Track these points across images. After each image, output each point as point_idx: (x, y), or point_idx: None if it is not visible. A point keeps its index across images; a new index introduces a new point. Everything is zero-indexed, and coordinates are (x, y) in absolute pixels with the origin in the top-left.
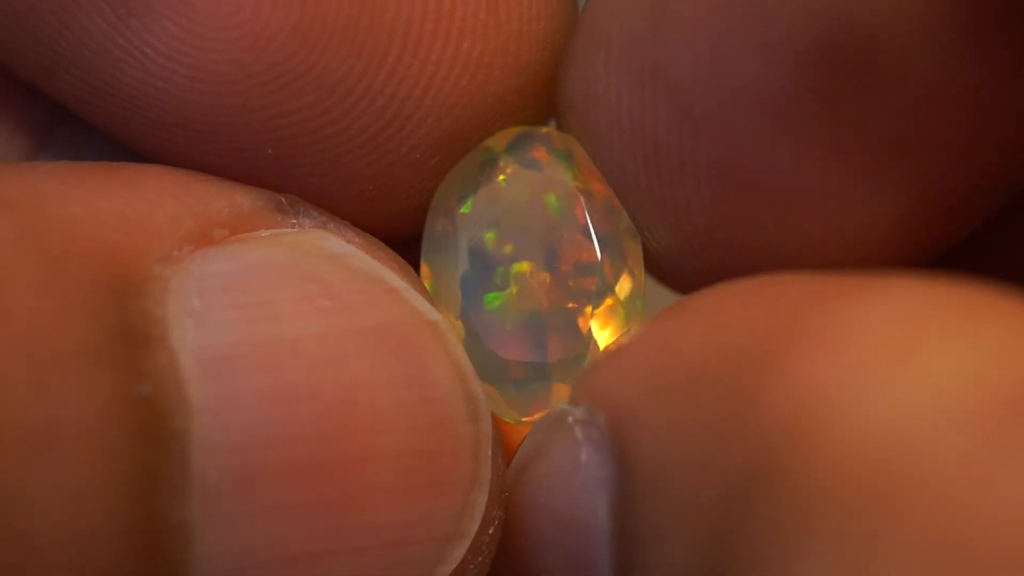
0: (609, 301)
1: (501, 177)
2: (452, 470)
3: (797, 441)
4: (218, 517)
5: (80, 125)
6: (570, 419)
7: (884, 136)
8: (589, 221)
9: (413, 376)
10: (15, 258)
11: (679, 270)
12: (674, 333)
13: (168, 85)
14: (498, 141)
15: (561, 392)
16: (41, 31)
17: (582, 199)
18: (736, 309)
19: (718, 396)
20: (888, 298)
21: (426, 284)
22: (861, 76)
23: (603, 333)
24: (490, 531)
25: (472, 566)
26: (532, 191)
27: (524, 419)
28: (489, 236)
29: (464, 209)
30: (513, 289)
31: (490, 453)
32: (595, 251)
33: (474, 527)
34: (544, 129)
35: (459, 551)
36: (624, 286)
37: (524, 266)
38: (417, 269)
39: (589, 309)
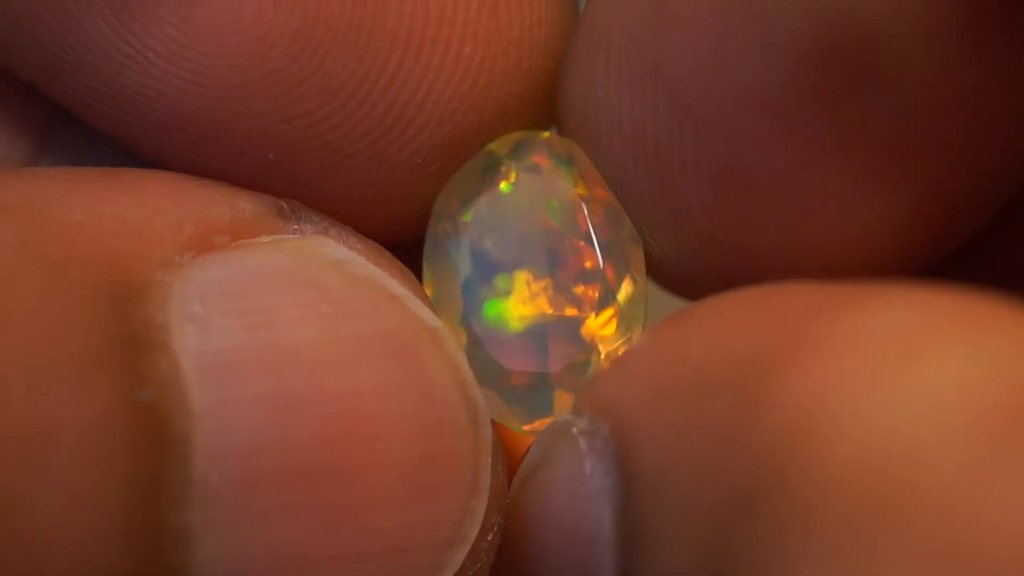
0: (611, 308)
1: (503, 184)
2: (452, 476)
3: (798, 450)
4: (219, 522)
5: (81, 127)
6: (574, 430)
7: (884, 136)
8: (591, 227)
9: (413, 382)
10: (17, 264)
11: (681, 274)
12: (676, 341)
13: (170, 89)
14: (500, 146)
15: (563, 399)
16: (43, 34)
17: (584, 205)
18: (738, 318)
19: (720, 404)
20: (890, 307)
21: (428, 289)
22: (861, 76)
23: (605, 340)
24: (489, 537)
25: (471, 572)
26: (534, 197)
27: (526, 427)
28: (491, 242)
29: (466, 215)
30: (515, 296)
31: (490, 460)
32: (597, 258)
33: (474, 533)
34: (545, 134)
35: (459, 557)
36: (626, 292)
37: (526, 273)
38: (419, 274)
39: (591, 316)
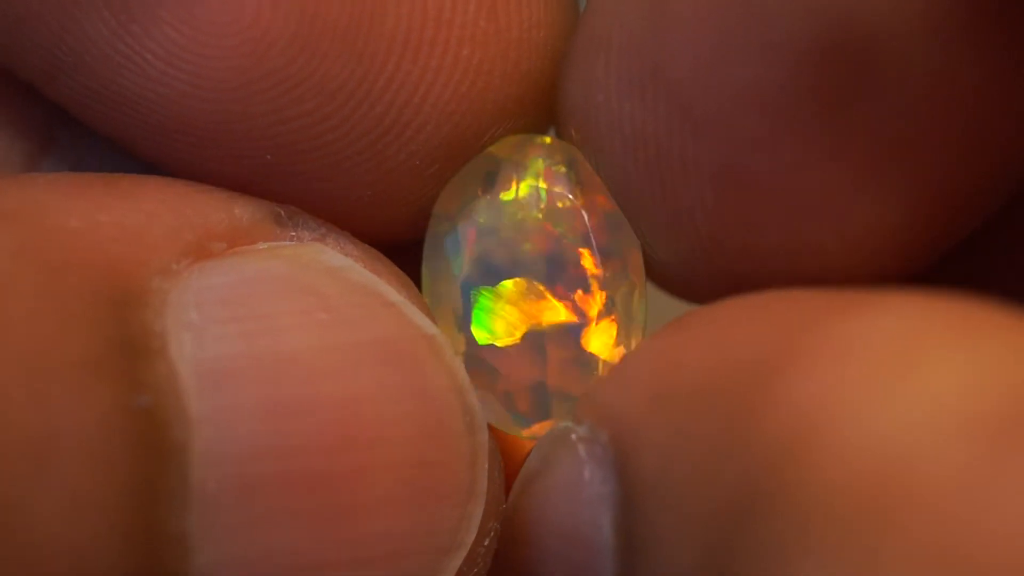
0: (611, 315)
1: (503, 188)
2: (449, 482)
3: (797, 456)
4: (217, 528)
5: (82, 128)
6: (573, 436)
7: (885, 136)
8: (591, 233)
9: (410, 389)
10: (15, 270)
11: (681, 276)
12: (675, 348)
13: (168, 91)
14: (500, 149)
15: (562, 406)
16: (42, 35)
17: (583, 210)
18: (736, 325)
19: (719, 411)
20: (887, 313)
21: (427, 291)
22: (861, 76)
23: (605, 347)
24: (486, 543)
25: None
26: (533, 202)
27: (525, 432)
28: (490, 246)
29: (465, 218)
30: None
31: (487, 466)
32: (597, 264)
33: (471, 538)
34: (546, 139)
35: (455, 562)
36: (626, 298)
37: (525, 279)
38: (417, 275)
39: (591, 322)
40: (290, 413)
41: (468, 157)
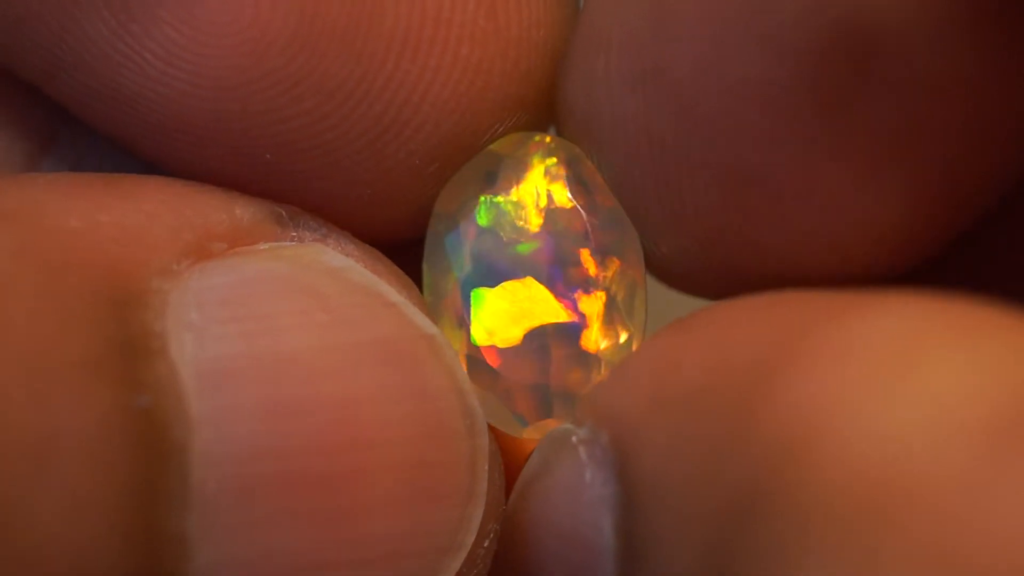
0: (612, 315)
1: (504, 187)
2: (449, 483)
3: (797, 456)
4: (217, 528)
5: (82, 128)
6: (574, 438)
7: (886, 133)
8: (592, 233)
9: (410, 389)
10: (15, 270)
11: (682, 270)
12: (675, 349)
13: (168, 90)
14: (500, 148)
15: (563, 406)
16: (42, 35)
17: (584, 209)
18: (737, 326)
19: (719, 412)
20: (887, 314)
21: (427, 290)
22: (862, 74)
23: (605, 347)
24: (485, 544)
25: None
26: (534, 200)
27: (524, 432)
28: (490, 245)
29: (466, 217)
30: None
31: (486, 467)
32: (597, 264)
33: (470, 539)
34: (547, 137)
35: (455, 563)
36: (626, 298)
37: (526, 279)
38: (417, 274)
39: (591, 323)
40: (290, 413)
41: (468, 156)
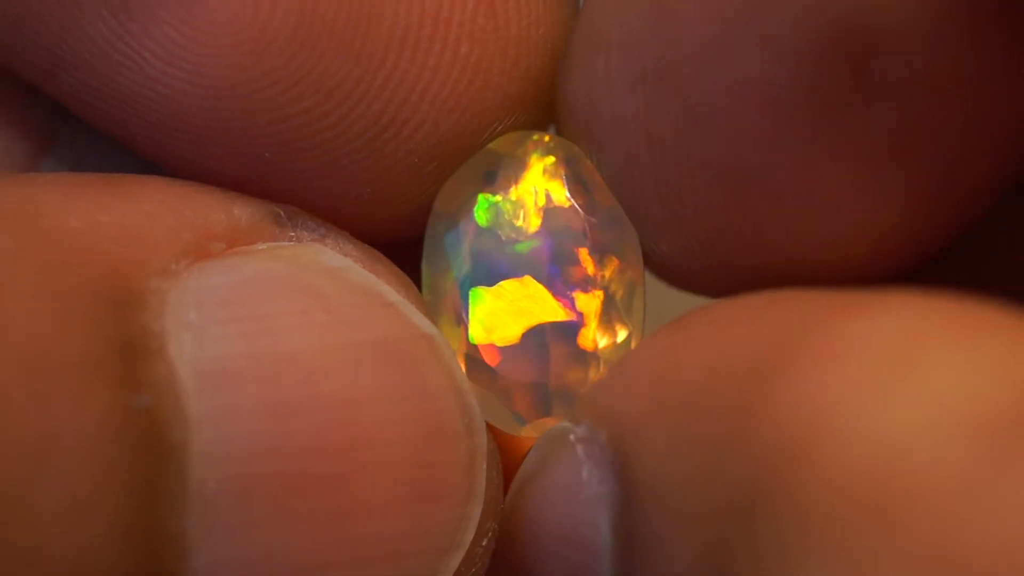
0: (610, 314)
1: (503, 186)
2: (448, 482)
3: (797, 456)
4: (216, 528)
5: (82, 127)
6: (572, 437)
7: (887, 132)
8: (590, 232)
9: (409, 389)
10: (14, 270)
11: (681, 268)
12: (674, 349)
13: (168, 89)
14: (499, 147)
15: (561, 405)
16: (42, 34)
17: (583, 207)
18: (736, 325)
19: (718, 411)
20: (887, 314)
21: (426, 289)
22: (862, 74)
23: (604, 346)
24: (484, 543)
25: None
26: (533, 199)
27: (523, 431)
28: (490, 244)
29: (465, 216)
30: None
31: (485, 466)
32: (596, 263)
33: (469, 539)
34: (546, 136)
35: (454, 563)
36: (625, 298)
37: (525, 278)
38: (417, 273)
39: (590, 322)
40: (289, 413)
41: (467, 155)
